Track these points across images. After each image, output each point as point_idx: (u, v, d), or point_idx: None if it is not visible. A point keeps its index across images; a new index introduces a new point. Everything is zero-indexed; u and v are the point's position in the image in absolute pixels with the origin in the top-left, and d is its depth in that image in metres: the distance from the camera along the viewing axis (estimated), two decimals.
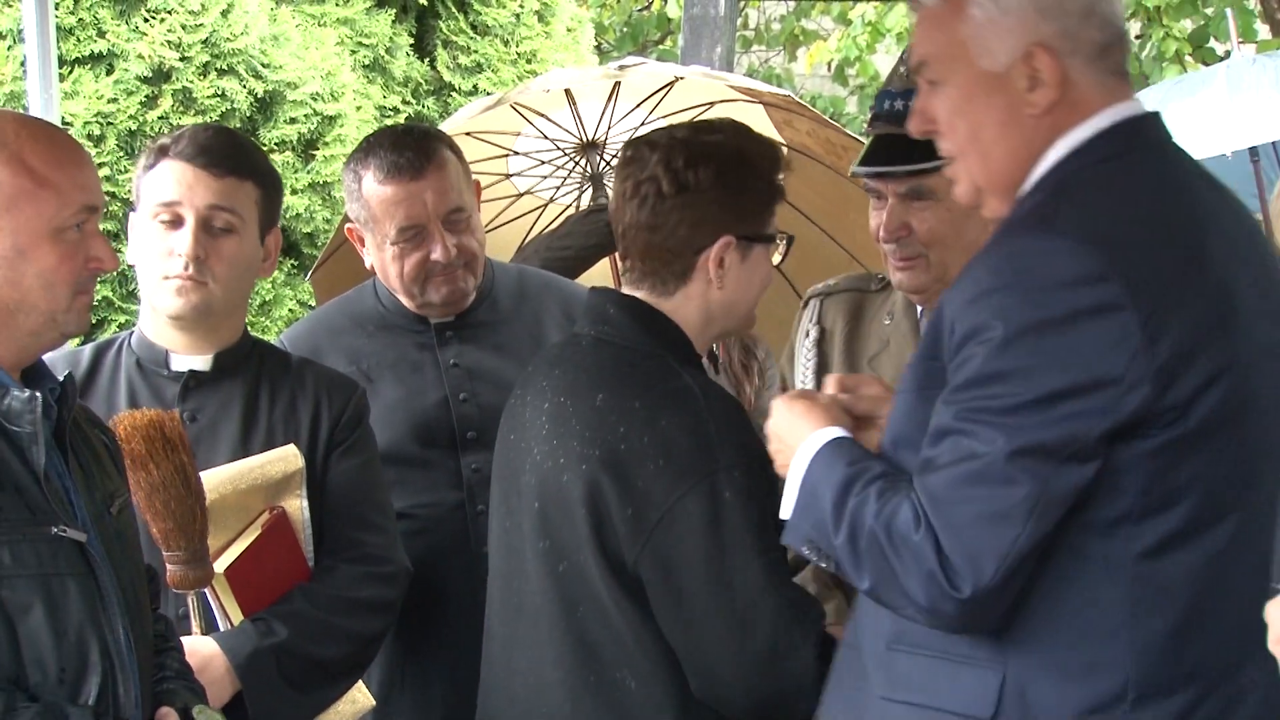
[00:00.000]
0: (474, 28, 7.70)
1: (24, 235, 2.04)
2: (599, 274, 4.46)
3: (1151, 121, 2.03)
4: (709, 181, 2.38)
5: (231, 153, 2.66)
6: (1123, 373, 1.81)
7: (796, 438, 2.09)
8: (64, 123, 5.86)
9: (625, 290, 2.46)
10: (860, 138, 4.49)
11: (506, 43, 7.74)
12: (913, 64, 2.09)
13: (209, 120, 6.39)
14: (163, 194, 2.61)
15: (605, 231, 3.96)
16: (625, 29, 12.44)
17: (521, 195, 4.97)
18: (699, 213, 2.37)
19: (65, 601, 2.02)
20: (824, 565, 2.02)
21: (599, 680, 2.33)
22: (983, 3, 1.96)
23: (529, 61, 7.80)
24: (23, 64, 5.80)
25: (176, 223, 2.60)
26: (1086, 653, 1.89)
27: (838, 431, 2.07)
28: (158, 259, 2.61)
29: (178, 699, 2.24)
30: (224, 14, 6.54)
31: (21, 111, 2.18)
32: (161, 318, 2.68)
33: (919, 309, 2.75)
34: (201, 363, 2.69)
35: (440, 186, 2.95)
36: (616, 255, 4.03)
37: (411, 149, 2.97)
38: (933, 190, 2.55)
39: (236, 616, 2.52)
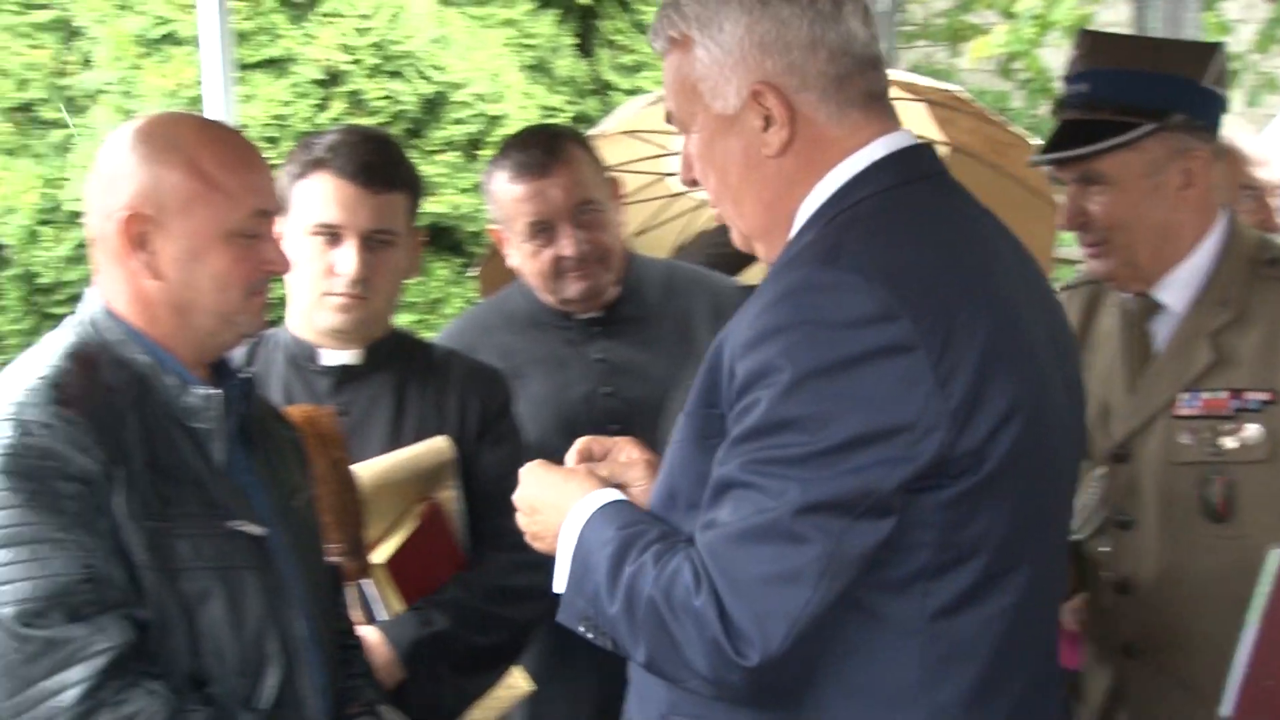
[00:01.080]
0: (636, 26, 7.76)
1: (198, 238, 2.09)
2: (761, 270, 4.47)
3: (924, 152, 1.92)
4: None
5: (388, 167, 2.70)
6: (916, 418, 1.67)
7: (558, 507, 1.90)
8: (241, 126, 6.07)
9: None
10: (1025, 134, 4.42)
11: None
12: (665, 114, 1.99)
13: (379, 123, 6.55)
14: (323, 214, 2.64)
15: None
16: None
17: (678, 195, 4.99)
18: None
19: (243, 595, 2.07)
20: (602, 643, 1.84)
21: None
22: (706, 44, 1.86)
23: None
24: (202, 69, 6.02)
25: (335, 240, 2.65)
26: (883, 715, 1.76)
27: (608, 495, 1.89)
28: (317, 276, 2.66)
29: (363, 695, 2.30)
30: (393, 17, 6.70)
31: (200, 115, 2.24)
32: (314, 324, 2.73)
33: (1131, 301, 2.62)
34: (352, 357, 2.74)
35: (567, 182, 2.98)
36: None
37: (538, 147, 3.02)
38: (1104, 174, 2.49)
39: (396, 607, 2.58)
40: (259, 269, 2.14)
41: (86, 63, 6.84)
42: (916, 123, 4.39)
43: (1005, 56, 10.94)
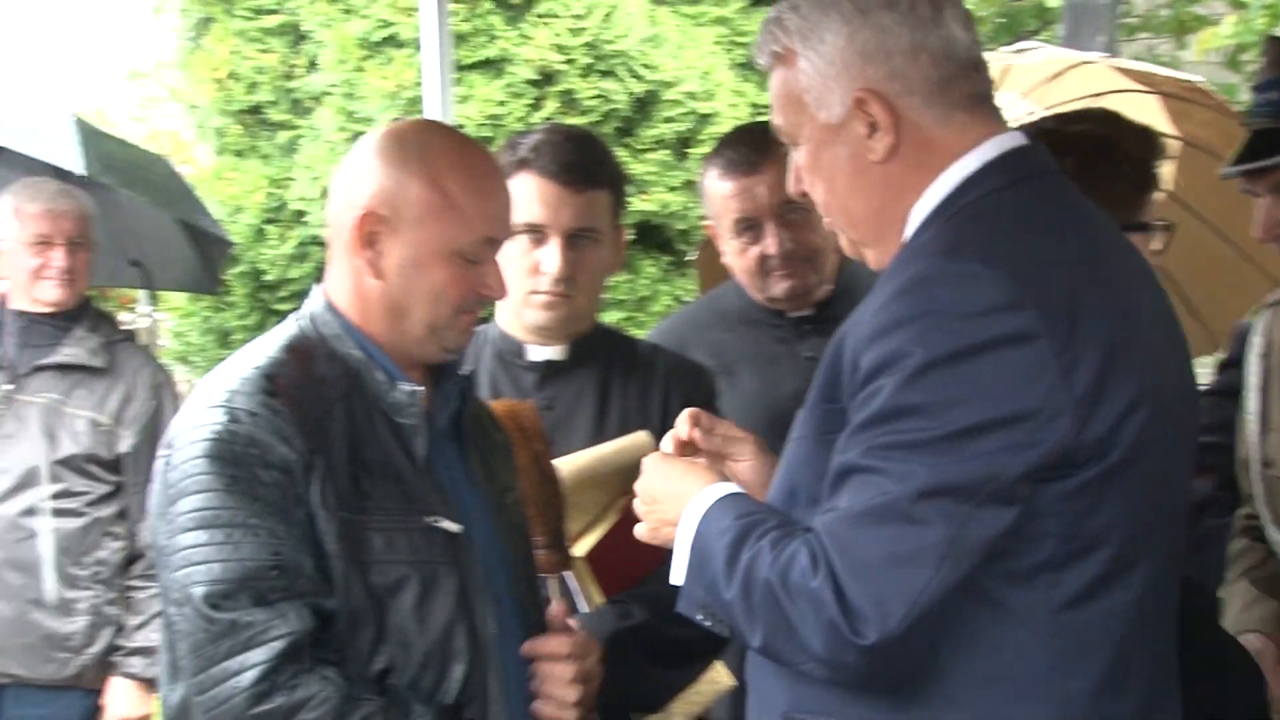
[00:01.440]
0: None
1: (424, 249, 2.13)
2: None
3: (1035, 151, 1.92)
4: (1072, 171, 2.32)
5: (591, 165, 2.72)
6: (1040, 405, 1.67)
7: (677, 498, 1.94)
8: (457, 127, 6.19)
9: None
10: None
11: None
12: (774, 130, 2.00)
13: (590, 122, 6.61)
14: (527, 213, 2.66)
15: None
16: (1001, 20, 12.13)
17: None
18: None
19: (435, 590, 2.10)
20: (720, 631, 1.86)
21: None
22: (809, 55, 1.89)
23: None
24: (421, 70, 6.15)
25: (540, 240, 2.68)
26: (1007, 712, 1.75)
27: (727, 488, 1.92)
28: (522, 274, 2.68)
29: None
30: (606, 17, 6.76)
31: (456, 131, 2.28)
32: (522, 320, 2.77)
33: None
34: (557, 353, 2.77)
35: (774, 181, 2.93)
36: None
37: (749, 144, 3.01)
38: None
39: (597, 599, 2.58)
40: (474, 290, 2.17)
41: (312, 66, 7.06)
42: (1148, 115, 4.25)
43: (1233, 48, 10.52)
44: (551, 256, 2.67)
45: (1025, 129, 2.40)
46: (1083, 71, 4.52)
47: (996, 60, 4.57)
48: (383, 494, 2.09)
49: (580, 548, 2.58)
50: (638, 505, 2.05)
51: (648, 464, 2.06)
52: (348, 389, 2.13)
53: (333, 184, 2.22)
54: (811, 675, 1.77)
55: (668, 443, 2.12)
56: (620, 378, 2.78)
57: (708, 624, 1.87)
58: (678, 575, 1.90)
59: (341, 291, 2.20)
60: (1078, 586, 1.75)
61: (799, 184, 1.98)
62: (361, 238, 2.13)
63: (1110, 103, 4.36)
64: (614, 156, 2.85)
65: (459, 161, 2.16)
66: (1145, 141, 2.40)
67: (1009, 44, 11.16)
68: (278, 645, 1.96)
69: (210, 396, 2.08)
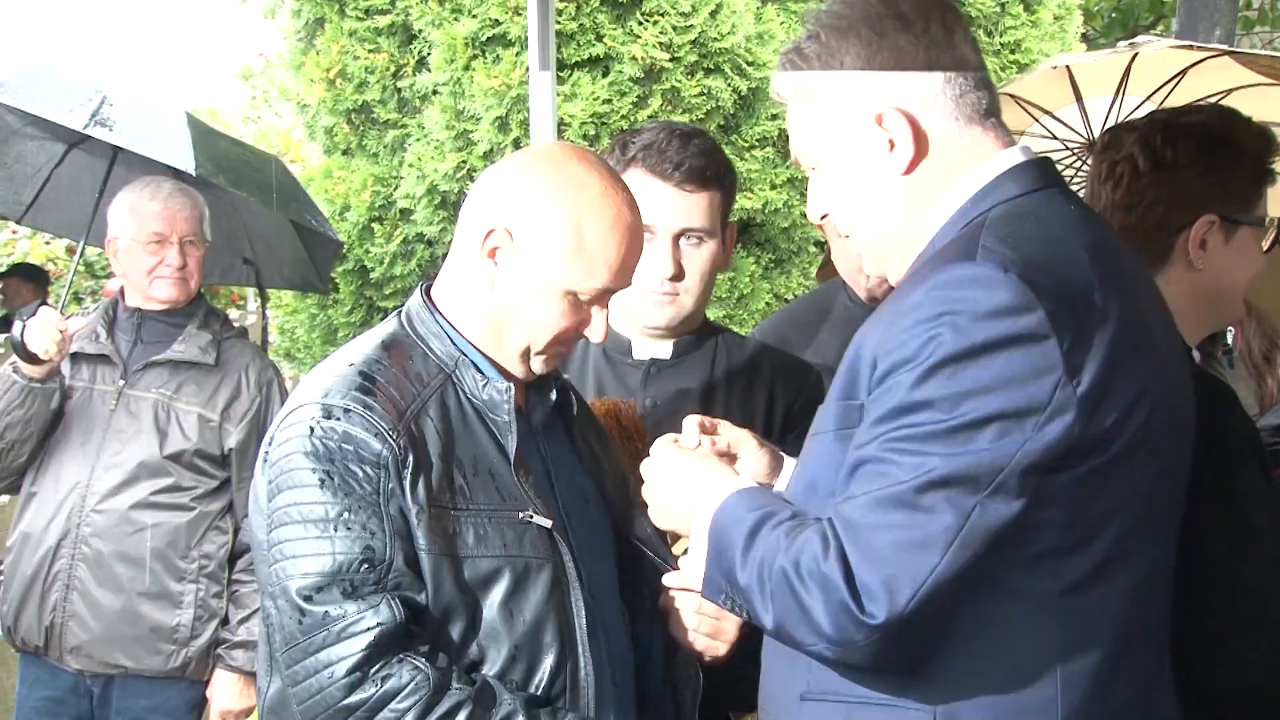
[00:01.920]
0: None
1: (541, 279, 2.16)
2: None
3: (1043, 164, 2.03)
4: (1188, 158, 2.29)
5: (701, 165, 2.71)
6: (1046, 402, 1.77)
7: (692, 487, 2.07)
8: (562, 124, 6.21)
9: None
10: None
11: (990, 33, 7.58)
12: (794, 158, 2.09)
13: (694, 119, 6.60)
14: None
15: None
16: (1114, 14, 11.92)
17: None
18: (1177, 190, 2.31)
19: (526, 584, 2.13)
20: (739, 614, 1.95)
21: None
22: (829, 78, 2.00)
23: (1013, 52, 7.61)
24: (528, 69, 6.17)
25: (650, 238, 2.67)
26: (1016, 692, 1.83)
27: (743, 481, 2.06)
28: None
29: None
30: (712, 14, 6.73)
31: (614, 173, 2.28)
32: (630, 318, 2.78)
33: None
34: (663, 350, 2.79)
35: None
36: None
37: None
38: None
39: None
40: (575, 329, 2.21)
41: (420, 65, 7.11)
42: (1276, 111, 4.15)
43: None
44: (662, 256, 2.68)
45: (1136, 122, 2.37)
46: (1201, 71, 4.43)
47: (1109, 54, 4.49)
48: (476, 489, 2.12)
49: (679, 547, 2.58)
50: (646, 491, 2.15)
51: (659, 449, 2.17)
52: (441, 386, 2.16)
53: (479, 183, 2.24)
54: (821, 657, 1.86)
55: (690, 435, 2.24)
56: (725, 376, 2.79)
57: (729, 607, 1.97)
58: (697, 563, 2.00)
59: (452, 290, 2.23)
60: (1081, 572, 1.83)
61: (819, 206, 2.08)
62: (486, 248, 2.17)
63: (1241, 98, 4.27)
64: (725, 155, 2.85)
65: (604, 208, 2.17)
66: (1263, 138, 2.36)
67: (1123, 38, 10.96)
68: (369, 637, 2.00)
69: (308, 394, 2.12)
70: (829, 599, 1.80)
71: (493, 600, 2.10)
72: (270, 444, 2.13)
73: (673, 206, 2.69)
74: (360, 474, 2.05)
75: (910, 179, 1.98)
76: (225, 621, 3.92)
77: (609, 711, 2.21)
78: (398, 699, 2.00)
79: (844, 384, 1.93)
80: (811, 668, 1.92)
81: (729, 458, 2.24)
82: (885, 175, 1.98)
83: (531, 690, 2.13)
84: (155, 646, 3.85)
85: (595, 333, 2.22)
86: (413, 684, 2.00)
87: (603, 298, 2.21)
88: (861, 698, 1.88)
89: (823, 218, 2.09)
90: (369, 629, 2.00)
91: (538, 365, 2.23)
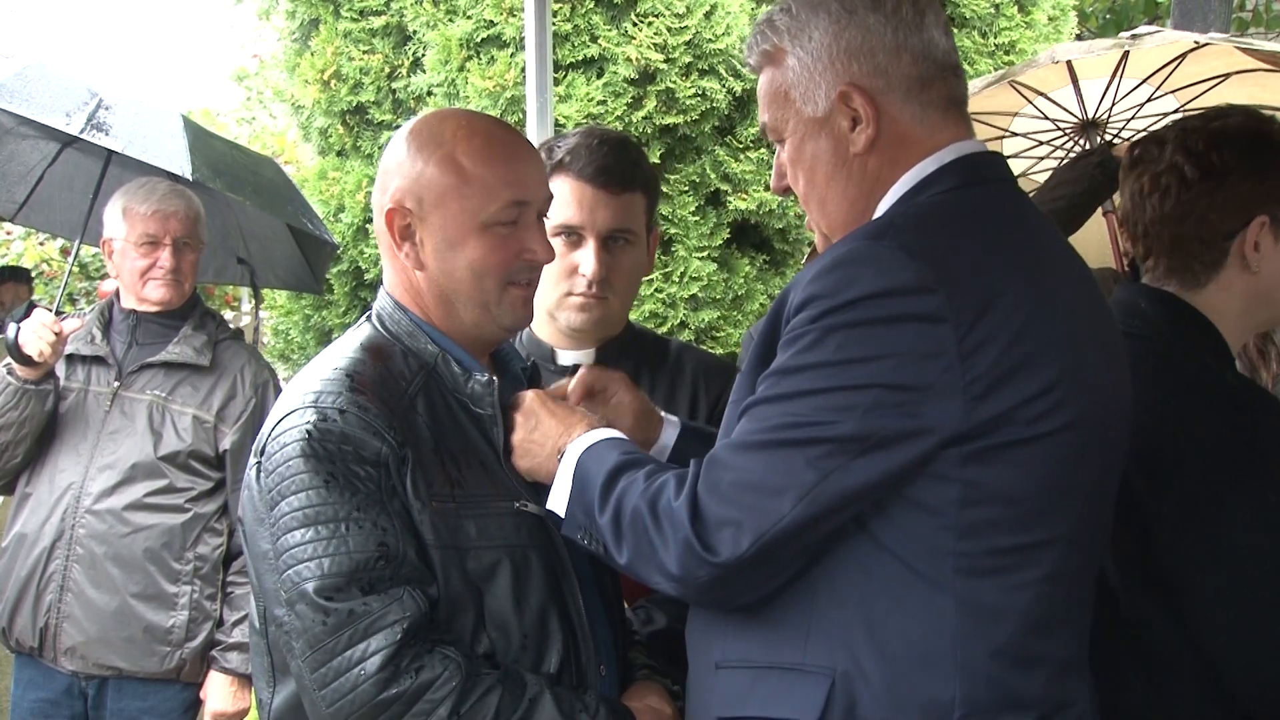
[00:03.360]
0: (951, 20, 7.59)
1: (453, 229, 2.17)
2: (1096, 240, 4.33)
3: (992, 159, 2.06)
4: (1234, 161, 2.30)
5: (628, 169, 2.74)
6: (931, 383, 1.80)
7: (560, 428, 2.13)
8: (557, 125, 6.20)
9: (1153, 284, 2.41)
10: None
11: (984, 34, 7.59)
12: (760, 128, 2.13)
13: (689, 121, 6.60)
14: (563, 215, 2.68)
15: (1096, 175, 3.92)
16: (1109, 15, 11.94)
17: (1016, 177, 4.88)
18: (1228, 195, 2.32)
19: (528, 572, 2.13)
20: (596, 550, 2.01)
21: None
22: (797, 52, 2.03)
23: (1007, 53, 7.62)
24: (523, 70, 6.17)
25: (577, 242, 2.70)
26: (914, 663, 1.86)
27: (612, 432, 2.12)
28: (559, 276, 2.71)
29: (638, 662, 2.36)
30: (707, 15, 6.73)
31: (471, 111, 2.31)
32: (555, 323, 2.79)
33: None
34: (585, 356, 2.80)
35: None
36: (1118, 226, 3.91)
37: None
38: None
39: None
40: (516, 258, 2.20)
41: (415, 66, 7.11)
42: (1276, 93, 4.15)
43: None
44: (588, 258, 2.70)
45: (1163, 133, 2.38)
46: (1199, 56, 4.43)
47: (1110, 47, 4.49)
48: (471, 482, 2.13)
49: None
50: (516, 438, 2.19)
51: (531, 403, 2.21)
52: (425, 383, 2.17)
53: (373, 190, 2.26)
54: (666, 594, 1.93)
55: (575, 390, 2.32)
56: (649, 378, 2.81)
57: (587, 544, 2.02)
58: (558, 505, 2.07)
59: (397, 289, 2.25)
60: (978, 555, 1.86)
61: (780, 180, 2.11)
62: (397, 233, 2.18)
63: (1240, 82, 4.27)
64: (648, 159, 2.87)
65: (470, 136, 2.19)
66: None
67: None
68: (398, 630, 1.99)
69: (296, 400, 2.12)
70: (676, 536, 1.86)
71: (498, 591, 2.10)
72: (263, 454, 2.11)
73: (599, 208, 2.71)
74: (362, 473, 2.04)
75: (868, 158, 2.01)
76: (220, 623, 3.92)
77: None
78: (433, 689, 1.99)
79: (761, 350, 1.97)
80: (726, 636, 1.97)
81: (602, 397, 2.33)
82: (844, 151, 2.02)
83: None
84: (149, 648, 3.84)
85: (538, 251, 2.22)
86: (446, 673, 2.00)
87: (519, 214, 2.20)
88: (768, 663, 1.93)
89: (784, 193, 2.13)
90: (396, 622, 2.00)
91: (506, 316, 2.23)
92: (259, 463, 2.11)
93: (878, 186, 2.02)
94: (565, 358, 2.82)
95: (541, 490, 2.18)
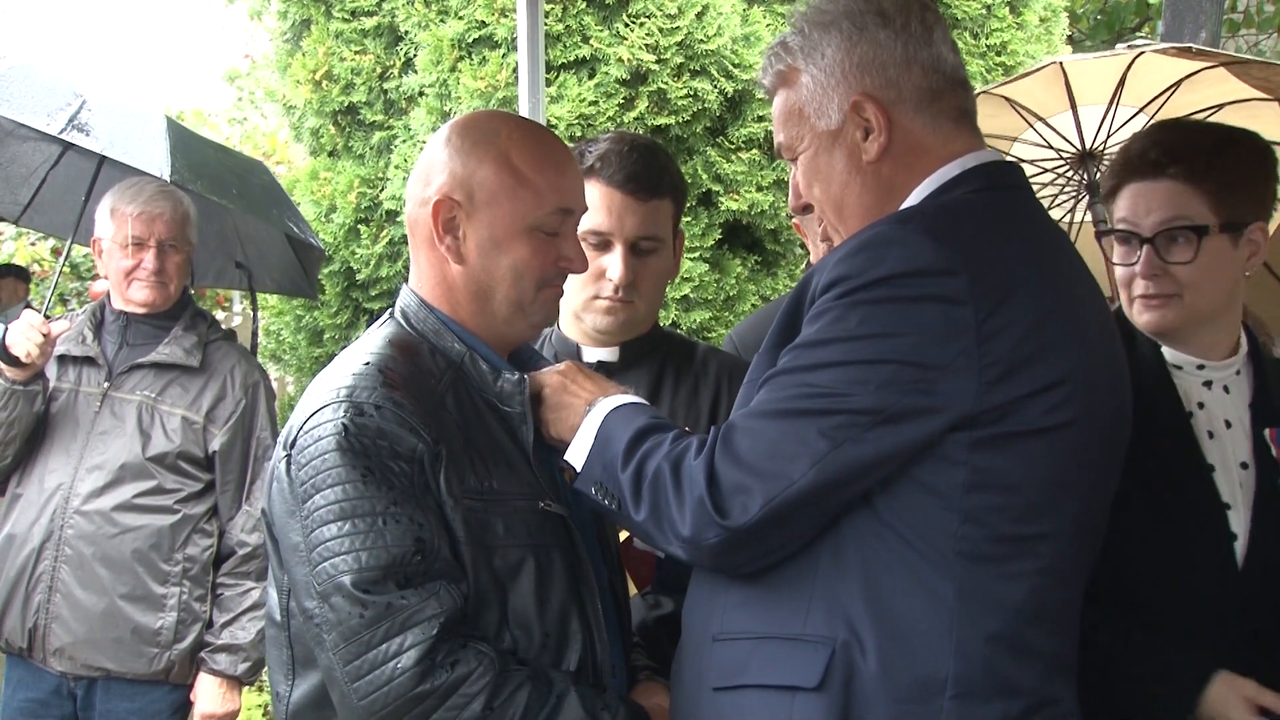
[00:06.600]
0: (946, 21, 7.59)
1: (500, 228, 2.20)
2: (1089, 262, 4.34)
3: (1010, 167, 2.12)
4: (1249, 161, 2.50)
5: (656, 175, 2.77)
6: (947, 363, 1.86)
7: (594, 390, 2.18)
8: (548, 125, 6.21)
9: None
10: None
11: (975, 35, 7.59)
12: (776, 149, 2.19)
13: (681, 121, 6.59)
14: (592, 221, 2.71)
15: None
16: (1100, 16, 11.95)
17: None
18: None
19: (550, 571, 2.15)
20: (609, 505, 2.06)
21: None
22: (811, 70, 2.11)
23: (998, 54, 7.62)
24: (515, 70, 6.17)
25: (604, 247, 2.74)
26: (911, 639, 1.90)
27: (642, 400, 2.18)
28: (587, 280, 2.75)
29: (639, 662, 2.37)
30: (699, 16, 6.73)
31: (518, 115, 2.35)
32: (582, 324, 2.82)
33: None
34: (609, 354, 2.85)
35: None
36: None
37: None
38: None
39: (630, 591, 2.62)
40: (554, 264, 2.24)
41: (407, 67, 7.11)
42: (1270, 127, 4.15)
43: None
44: (615, 264, 2.74)
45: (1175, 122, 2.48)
46: (1195, 83, 4.43)
47: (1109, 61, 4.49)
48: (499, 480, 2.14)
49: (624, 534, 2.62)
50: (550, 398, 2.23)
51: (569, 367, 2.26)
52: (453, 381, 2.18)
53: (408, 183, 2.28)
54: (676, 555, 1.98)
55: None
56: (672, 378, 2.84)
57: (600, 498, 2.07)
58: (577, 456, 2.11)
59: (428, 285, 2.25)
60: (979, 541, 1.91)
61: (798, 198, 2.17)
62: (441, 225, 2.20)
63: (1234, 112, 4.28)
64: (676, 165, 2.90)
65: (525, 140, 2.23)
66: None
67: (1109, 41, 10.98)
68: (435, 624, 2.01)
69: (329, 395, 2.11)
70: (691, 495, 1.92)
71: (522, 589, 2.12)
72: (293, 447, 2.11)
73: (628, 215, 2.75)
74: (397, 469, 2.05)
75: (882, 166, 2.07)
76: (209, 625, 3.91)
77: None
78: (467, 683, 2.00)
79: (782, 329, 2.03)
80: (726, 608, 2.01)
81: None
82: (857, 160, 2.07)
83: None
84: (138, 649, 3.84)
85: (574, 259, 2.26)
86: (480, 668, 2.02)
87: (563, 221, 2.24)
88: (768, 634, 1.97)
89: (803, 210, 2.18)
90: (433, 616, 2.01)
91: (536, 316, 2.26)
92: (289, 455, 2.11)
93: (894, 193, 2.07)
94: (590, 355, 2.86)
95: (566, 491, 2.21)
